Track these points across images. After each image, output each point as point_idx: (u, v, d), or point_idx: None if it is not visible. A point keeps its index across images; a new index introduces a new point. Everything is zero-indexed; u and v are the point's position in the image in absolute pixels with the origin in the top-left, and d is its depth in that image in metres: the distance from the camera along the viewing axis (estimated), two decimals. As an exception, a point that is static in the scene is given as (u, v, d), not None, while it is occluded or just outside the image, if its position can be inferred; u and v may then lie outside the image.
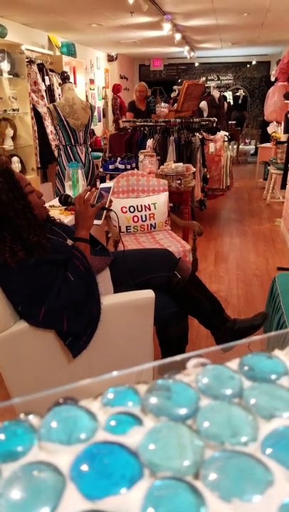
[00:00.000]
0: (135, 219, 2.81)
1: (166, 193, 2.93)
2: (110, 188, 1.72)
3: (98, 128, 7.56)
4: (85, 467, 0.26)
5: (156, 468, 0.27)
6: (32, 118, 4.59)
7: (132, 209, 2.81)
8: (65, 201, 1.80)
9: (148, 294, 1.57)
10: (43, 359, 1.53)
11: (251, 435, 0.30)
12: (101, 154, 5.76)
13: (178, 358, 0.38)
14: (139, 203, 2.83)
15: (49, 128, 4.79)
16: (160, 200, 2.88)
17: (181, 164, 3.42)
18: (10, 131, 4.32)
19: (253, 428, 0.31)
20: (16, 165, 4.27)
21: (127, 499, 0.25)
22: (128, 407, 0.32)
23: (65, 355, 1.52)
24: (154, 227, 2.86)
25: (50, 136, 4.82)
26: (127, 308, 1.58)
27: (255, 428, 0.31)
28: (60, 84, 4.76)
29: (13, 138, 4.41)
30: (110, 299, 1.56)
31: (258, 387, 0.34)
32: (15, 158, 4.32)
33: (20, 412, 0.34)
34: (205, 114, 6.66)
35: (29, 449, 0.28)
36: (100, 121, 7.81)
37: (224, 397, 0.33)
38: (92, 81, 7.41)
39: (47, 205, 1.98)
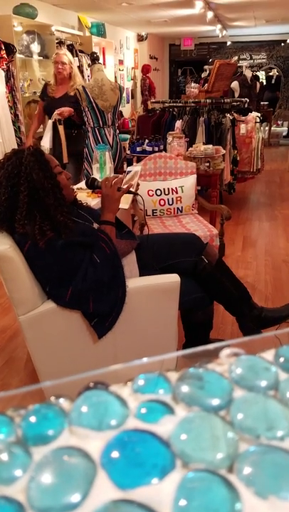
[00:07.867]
0: (162, 202, 2.78)
1: (194, 176, 2.87)
2: (137, 171, 1.71)
3: (126, 110, 7.47)
4: (116, 455, 0.26)
5: (189, 460, 0.26)
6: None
7: (158, 192, 2.77)
8: (92, 185, 1.79)
9: (173, 279, 1.56)
10: (69, 339, 1.56)
11: (288, 429, 0.29)
12: (129, 136, 5.70)
13: (210, 347, 0.36)
14: (166, 186, 2.79)
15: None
16: (188, 183, 2.82)
17: (210, 146, 3.33)
18: (39, 113, 4.32)
19: (290, 422, 0.29)
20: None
21: (159, 490, 0.24)
22: (159, 394, 0.31)
23: (90, 336, 1.54)
24: (181, 211, 2.82)
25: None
26: (152, 292, 1.57)
27: (292, 422, 0.29)
28: (89, 66, 4.71)
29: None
30: (135, 282, 1.56)
31: (295, 380, 0.33)
32: (43, 140, 4.32)
33: (49, 394, 0.34)
34: (236, 94, 6.46)
35: (60, 433, 0.28)
36: (128, 102, 7.71)
37: (259, 389, 0.31)
38: (121, 62, 7.29)
39: (74, 187, 1.98)
